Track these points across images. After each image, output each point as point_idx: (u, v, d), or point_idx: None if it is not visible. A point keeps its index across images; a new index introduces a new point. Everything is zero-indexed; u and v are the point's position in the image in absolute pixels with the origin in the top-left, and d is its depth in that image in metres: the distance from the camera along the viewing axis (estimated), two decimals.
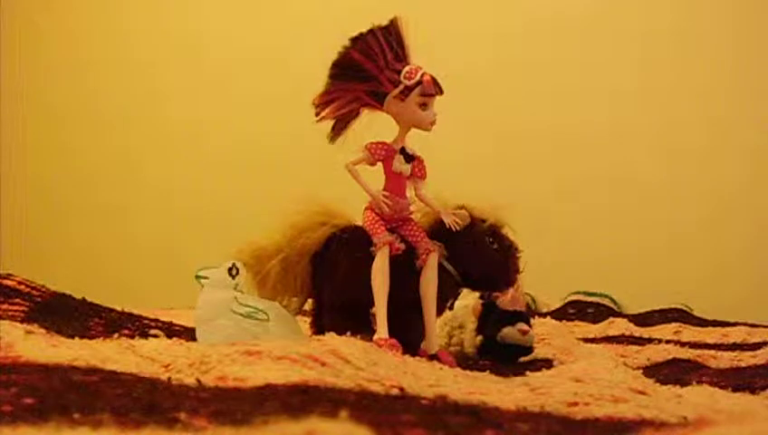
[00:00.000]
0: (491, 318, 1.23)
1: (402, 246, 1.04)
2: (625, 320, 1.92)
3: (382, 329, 0.99)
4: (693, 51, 2.80)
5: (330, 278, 1.06)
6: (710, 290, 2.53)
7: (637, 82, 2.82)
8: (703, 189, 2.75)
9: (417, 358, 0.94)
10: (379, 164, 1.05)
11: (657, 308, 2.16)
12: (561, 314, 2.05)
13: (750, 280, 2.63)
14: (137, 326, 1.20)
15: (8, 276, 1.26)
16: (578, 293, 2.26)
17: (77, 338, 0.83)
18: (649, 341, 1.60)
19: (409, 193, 1.07)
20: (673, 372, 1.20)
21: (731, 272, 2.66)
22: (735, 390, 0.97)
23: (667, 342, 1.57)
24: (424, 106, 1.04)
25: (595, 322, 1.94)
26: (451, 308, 1.26)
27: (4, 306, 1.17)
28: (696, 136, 2.77)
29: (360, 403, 0.57)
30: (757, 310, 2.23)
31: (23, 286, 1.24)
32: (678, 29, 2.82)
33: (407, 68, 1.04)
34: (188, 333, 1.08)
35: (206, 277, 1.03)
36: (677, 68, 2.80)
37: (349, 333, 0.89)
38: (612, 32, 2.85)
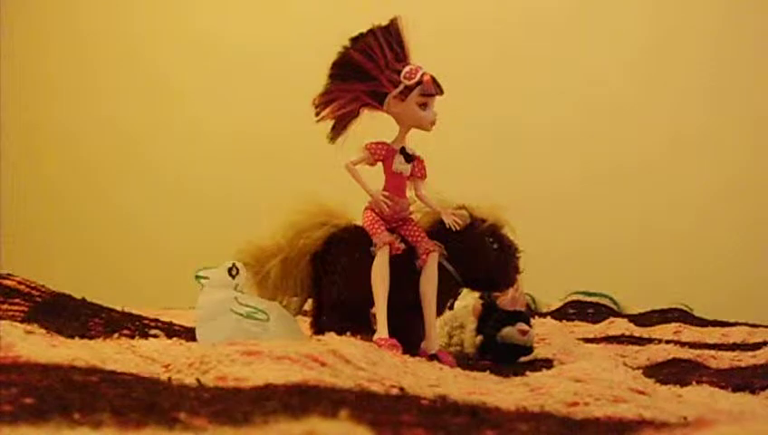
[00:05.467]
0: (491, 318, 1.23)
1: (402, 246, 1.04)
2: (625, 320, 1.91)
3: (382, 329, 1.00)
4: (693, 50, 2.80)
5: (330, 278, 1.06)
6: (710, 290, 2.53)
7: (636, 81, 2.82)
8: (703, 190, 2.75)
9: (417, 358, 0.94)
10: (379, 164, 1.05)
11: (657, 308, 2.16)
12: (561, 314, 2.05)
13: (750, 280, 2.63)
14: (137, 326, 1.20)
15: (8, 276, 1.26)
16: (578, 293, 2.26)
17: (77, 338, 0.83)
18: (649, 341, 1.60)
19: (409, 193, 1.07)
20: (673, 372, 1.20)
21: (731, 272, 2.66)
22: (735, 390, 0.97)
23: (667, 342, 1.57)
24: (424, 106, 1.04)
25: (595, 322, 1.94)
26: (451, 308, 1.26)
27: (5, 306, 1.17)
28: (697, 136, 2.77)
29: (360, 403, 0.57)
30: (757, 310, 2.23)
31: (23, 286, 1.24)
32: (675, 26, 2.82)
33: (407, 68, 1.04)
34: (188, 333, 1.08)
35: (206, 277, 1.03)
36: (677, 67, 2.80)
37: (349, 333, 0.89)
38: (611, 31, 2.85)
